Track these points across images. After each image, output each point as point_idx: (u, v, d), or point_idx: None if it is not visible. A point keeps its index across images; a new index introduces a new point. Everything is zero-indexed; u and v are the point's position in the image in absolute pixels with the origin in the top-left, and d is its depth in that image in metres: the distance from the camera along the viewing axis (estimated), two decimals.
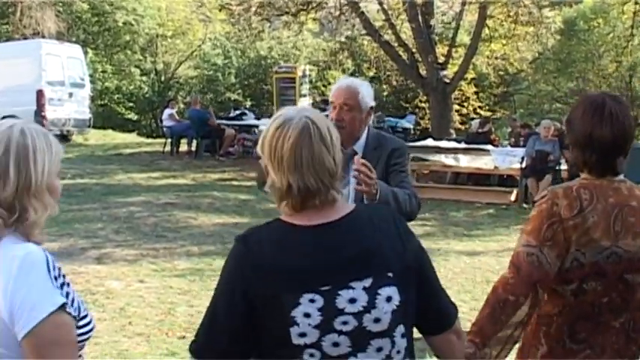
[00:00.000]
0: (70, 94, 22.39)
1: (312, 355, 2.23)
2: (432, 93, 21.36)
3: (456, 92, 24.44)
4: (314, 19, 24.36)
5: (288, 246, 2.31)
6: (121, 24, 31.81)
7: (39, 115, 21.06)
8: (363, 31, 22.85)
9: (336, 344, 2.23)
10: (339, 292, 2.24)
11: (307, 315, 2.21)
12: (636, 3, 22.27)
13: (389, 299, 2.27)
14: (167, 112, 22.27)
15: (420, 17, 20.57)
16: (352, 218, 2.36)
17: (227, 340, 2.28)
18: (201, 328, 2.34)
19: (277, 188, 2.38)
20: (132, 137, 26.60)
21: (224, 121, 22.07)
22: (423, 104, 27.70)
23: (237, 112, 24.59)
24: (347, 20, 22.64)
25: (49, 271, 2.26)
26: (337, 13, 22.20)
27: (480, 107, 29.22)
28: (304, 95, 24.22)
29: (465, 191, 16.20)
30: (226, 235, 11.29)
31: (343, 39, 27.26)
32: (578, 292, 2.89)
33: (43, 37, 25.60)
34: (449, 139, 18.54)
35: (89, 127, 23.67)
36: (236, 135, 21.78)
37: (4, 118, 17.89)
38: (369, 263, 2.28)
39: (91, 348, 6.46)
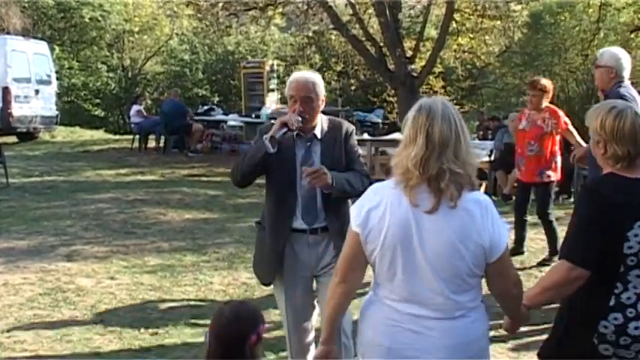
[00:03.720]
0: (37, 91, 22.24)
1: (632, 261, 3.55)
2: (400, 87, 21.39)
3: (424, 86, 24.47)
4: (281, 14, 24.32)
5: (625, 190, 3.58)
6: (87, 20, 31.60)
7: (5, 113, 20.90)
8: (331, 26, 22.84)
9: None
10: None
11: (636, 235, 3.52)
12: None
13: None
14: (135, 108, 22.17)
15: (387, 11, 20.59)
16: None
17: (596, 250, 3.52)
18: (576, 244, 3.58)
19: (617, 155, 3.59)
20: (99, 134, 26.45)
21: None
22: (391, 98, 27.72)
23: (205, 107, 24.53)
24: (314, 15, 22.65)
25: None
26: (305, 7, 22.21)
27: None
28: (272, 90, 24.17)
29: None
30: (196, 231, 11.28)
31: (311, 34, 27.26)
32: None
33: (8, 33, 25.31)
34: None
35: (56, 124, 23.54)
36: (204, 131, 21.74)
37: None
38: None
39: (62, 346, 6.46)
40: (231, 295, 8.10)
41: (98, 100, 32.34)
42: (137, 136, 21.50)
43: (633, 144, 3.58)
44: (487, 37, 23.72)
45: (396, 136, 17.61)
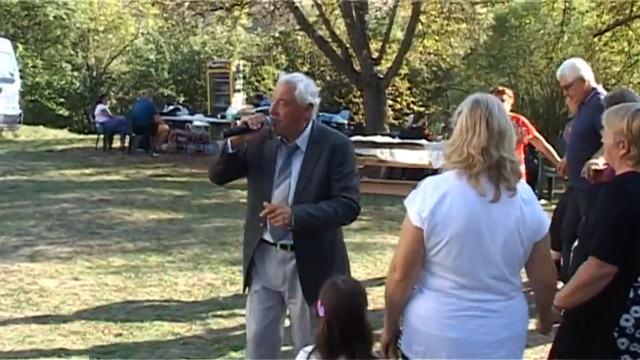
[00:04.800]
0: (0, 90, 22.00)
1: None
2: (365, 88, 21.44)
3: (390, 88, 24.53)
4: (248, 14, 24.26)
5: None
6: (51, 18, 31.29)
7: None
8: (297, 27, 22.84)
9: None
10: None
11: None
12: (566, 0, 22.65)
13: None
14: (99, 107, 22.00)
15: (354, 13, 20.63)
16: None
17: (623, 246, 3.64)
18: (605, 241, 3.67)
19: (637, 154, 3.76)
20: (63, 133, 26.22)
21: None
22: (356, 99, 27.76)
23: (171, 107, 24.40)
24: (281, 15, 22.59)
25: None
26: (271, 8, 22.15)
27: (413, 102, 29.38)
28: (238, 90, 24.15)
29: (399, 186, 16.27)
30: (161, 231, 11.23)
31: (277, 34, 27.23)
32: None
33: None
34: (383, 134, 18.63)
35: (19, 123, 23.31)
36: (170, 131, 21.64)
37: None
38: None
39: (24, 347, 6.39)
40: (196, 296, 8.08)
41: (62, 99, 32.01)
42: (102, 136, 21.36)
43: None
44: (453, 40, 23.79)
45: (356, 138, 17.64)
